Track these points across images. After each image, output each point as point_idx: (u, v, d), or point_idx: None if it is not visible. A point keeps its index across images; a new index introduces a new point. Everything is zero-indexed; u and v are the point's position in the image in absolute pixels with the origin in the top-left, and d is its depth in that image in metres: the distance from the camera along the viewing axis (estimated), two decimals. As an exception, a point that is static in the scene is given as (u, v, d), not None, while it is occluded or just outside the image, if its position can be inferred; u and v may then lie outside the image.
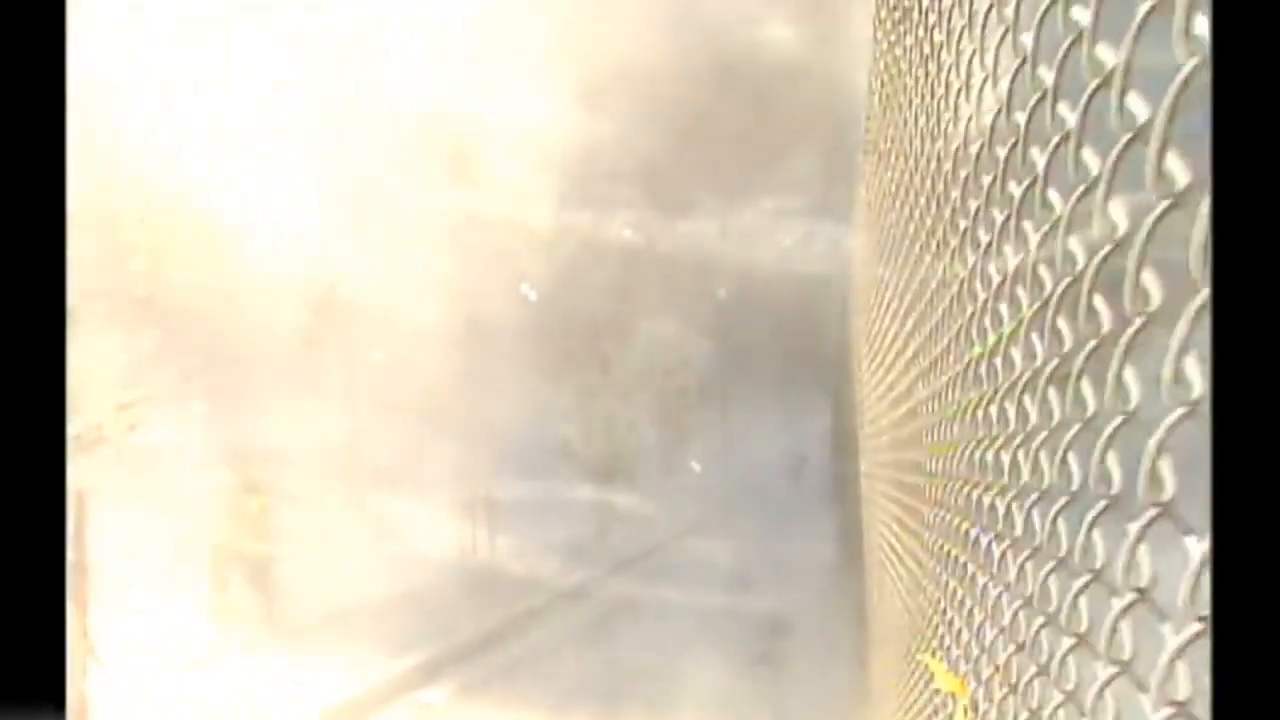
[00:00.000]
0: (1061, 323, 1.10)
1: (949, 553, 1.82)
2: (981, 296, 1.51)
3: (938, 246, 1.91)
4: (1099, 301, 0.98)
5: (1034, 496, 1.22)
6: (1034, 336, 1.22)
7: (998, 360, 1.41)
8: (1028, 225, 1.20)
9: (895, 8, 2.44)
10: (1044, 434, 1.17)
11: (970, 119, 1.56)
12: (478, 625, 10.72)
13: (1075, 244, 1.04)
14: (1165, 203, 0.80)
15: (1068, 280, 1.08)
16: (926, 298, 2.13)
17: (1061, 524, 1.12)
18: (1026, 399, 1.25)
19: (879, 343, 3.48)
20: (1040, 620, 1.19)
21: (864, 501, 4.71)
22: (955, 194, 1.69)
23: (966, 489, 1.68)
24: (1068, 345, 1.08)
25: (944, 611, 1.84)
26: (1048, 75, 1.09)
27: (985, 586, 1.51)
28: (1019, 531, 1.31)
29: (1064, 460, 1.10)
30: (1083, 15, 0.97)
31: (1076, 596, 1.06)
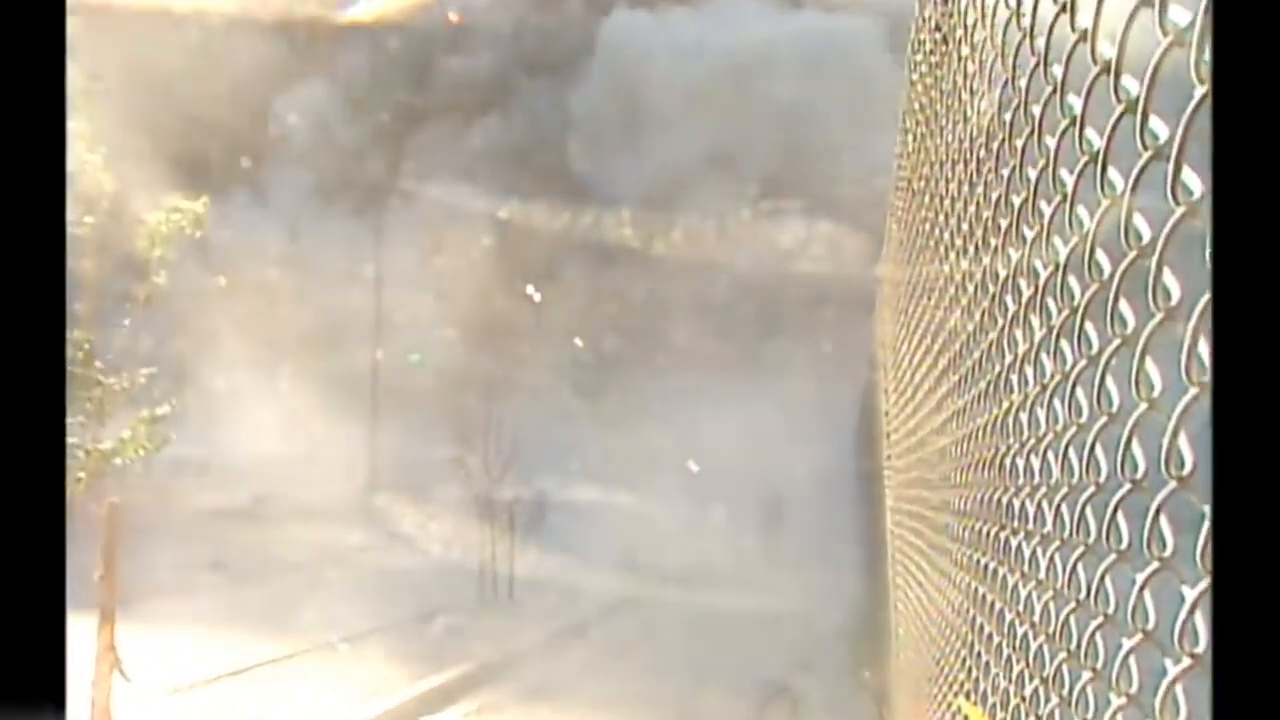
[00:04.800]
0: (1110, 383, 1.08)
1: (981, 595, 1.77)
2: (1022, 347, 1.47)
3: (975, 289, 1.87)
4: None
5: (1080, 550, 1.17)
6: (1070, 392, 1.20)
7: (1037, 409, 1.37)
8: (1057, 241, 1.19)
9: (931, 51, 2.42)
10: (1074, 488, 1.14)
11: (999, 146, 1.53)
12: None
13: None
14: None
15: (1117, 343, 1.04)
16: (960, 340, 2.09)
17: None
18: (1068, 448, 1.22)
19: (907, 380, 3.43)
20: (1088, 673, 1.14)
21: (890, 537, 4.63)
22: (988, 231, 1.66)
23: (996, 530, 1.63)
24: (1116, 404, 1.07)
25: (978, 655, 1.78)
26: (1077, 103, 1.09)
27: (1025, 632, 1.45)
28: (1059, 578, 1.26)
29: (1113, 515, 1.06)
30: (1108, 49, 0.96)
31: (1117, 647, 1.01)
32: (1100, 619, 0.99)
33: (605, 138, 23.28)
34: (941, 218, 2.26)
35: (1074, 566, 1.10)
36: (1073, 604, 1.10)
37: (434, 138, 23.69)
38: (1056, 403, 1.29)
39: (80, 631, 5.65)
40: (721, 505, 17.83)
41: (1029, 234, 1.33)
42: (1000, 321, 1.57)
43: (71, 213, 5.41)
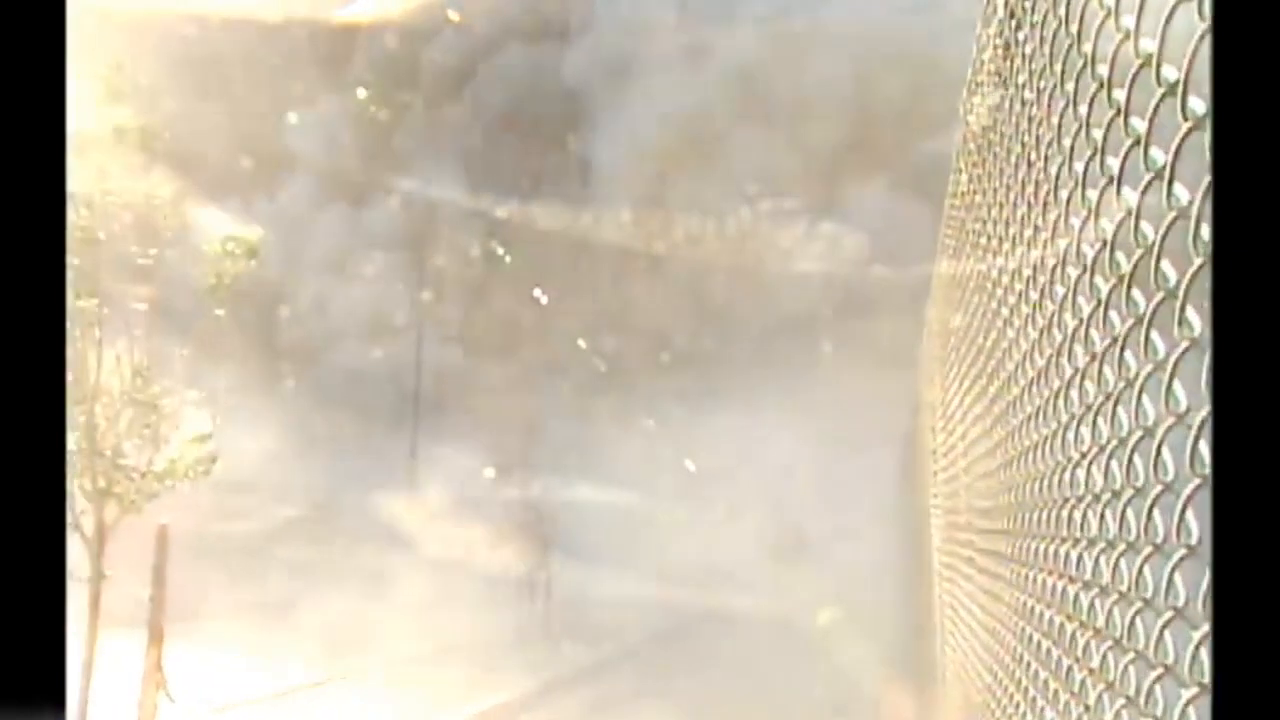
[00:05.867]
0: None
1: (1046, 648, 1.72)
2: (1082, 358, 1.47)
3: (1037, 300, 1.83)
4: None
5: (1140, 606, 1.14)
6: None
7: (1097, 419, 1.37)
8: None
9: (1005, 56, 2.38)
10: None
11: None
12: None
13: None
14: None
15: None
16: (1020, 354, 2.05)
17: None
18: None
19: (957, 419, 3.37)
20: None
21: (937, 579, 4.54)
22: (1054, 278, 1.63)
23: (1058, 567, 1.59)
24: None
25: (1040, 710, 1.74)
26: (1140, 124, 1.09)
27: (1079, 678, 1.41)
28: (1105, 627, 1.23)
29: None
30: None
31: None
32: (1194, 689, 0.95)
33: (608, 131, 21.67)
34: (1003, 259, 2.23)
35: (1160, 631, 1.07)
36: (1161, 670, 1.06)
37: (431, 133, 23.04)
38: (1113, 463, 1.28)
39: (128, 650, 5.73)
40: (729, 506, 17.47)
41: (1104, 285, 1.31)
42: (1068, 371, 1.54)
43: (136, 244, 5.55)
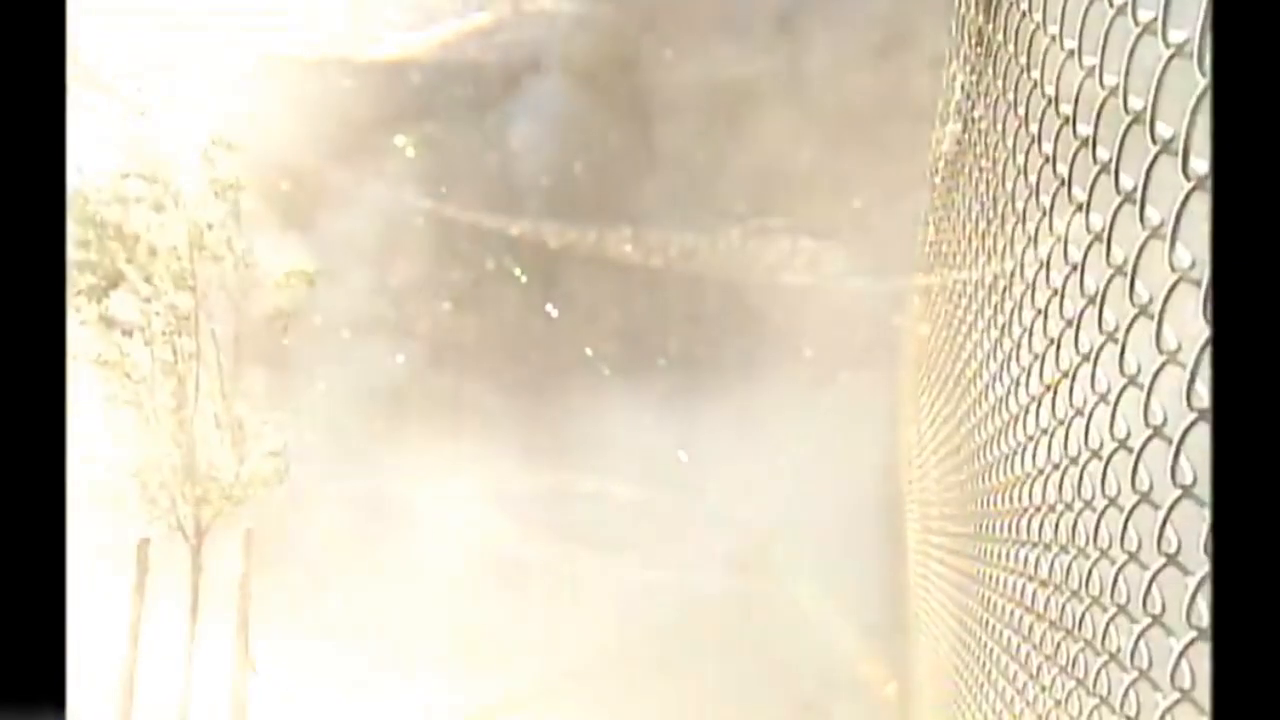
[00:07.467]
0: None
1: (996, 628, 1.71)
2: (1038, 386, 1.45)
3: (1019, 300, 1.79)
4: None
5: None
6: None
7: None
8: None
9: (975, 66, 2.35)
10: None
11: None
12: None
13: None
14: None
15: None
16: (999, 360, 2.01)
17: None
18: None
19: (939, 400, 3.33)
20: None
21: (913, 572, 4.49)
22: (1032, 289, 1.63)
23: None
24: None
25: (1004, 692, 1.73)
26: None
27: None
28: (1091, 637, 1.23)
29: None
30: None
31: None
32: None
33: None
34: (978, 272, 2.23)
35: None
36: (1106, 658, 1.06)
37: (452, 160, 22.75)
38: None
39: (218, 638, 5.77)
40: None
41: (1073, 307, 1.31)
42: (1025, 398, 1.54)
43: (223, 286, 5.68)
